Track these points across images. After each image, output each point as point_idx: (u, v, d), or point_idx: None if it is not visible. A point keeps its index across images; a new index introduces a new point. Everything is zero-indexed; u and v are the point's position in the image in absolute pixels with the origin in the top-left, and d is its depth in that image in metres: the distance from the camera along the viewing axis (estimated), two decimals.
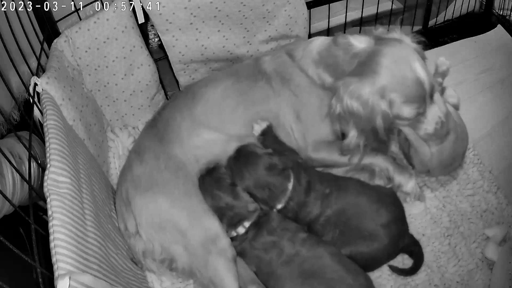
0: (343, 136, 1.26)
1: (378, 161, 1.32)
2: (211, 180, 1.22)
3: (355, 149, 1.24)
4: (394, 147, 1.45)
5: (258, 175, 1.21)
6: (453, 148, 1.28)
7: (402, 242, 1.22)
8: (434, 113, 1.19)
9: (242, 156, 1.24)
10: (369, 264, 1.20)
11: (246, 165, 1.22)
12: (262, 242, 1.15)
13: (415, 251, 1.23)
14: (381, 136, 1.19)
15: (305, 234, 1.17)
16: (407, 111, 1.16)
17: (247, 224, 1.17)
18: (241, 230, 1.17)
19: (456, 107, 1.39)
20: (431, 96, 1.18)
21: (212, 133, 1.30)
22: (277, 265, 1.13)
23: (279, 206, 1.22)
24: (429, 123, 1.19)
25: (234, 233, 1.18)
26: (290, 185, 1.21)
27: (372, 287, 1.13)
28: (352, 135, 1.21)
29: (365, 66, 1.17)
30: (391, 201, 1.26)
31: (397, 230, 1.21)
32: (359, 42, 1.23)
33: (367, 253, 1.18)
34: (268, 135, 1.30)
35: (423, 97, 1.16)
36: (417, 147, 1.26)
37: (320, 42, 1.33)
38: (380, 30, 1.28)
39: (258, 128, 1.31)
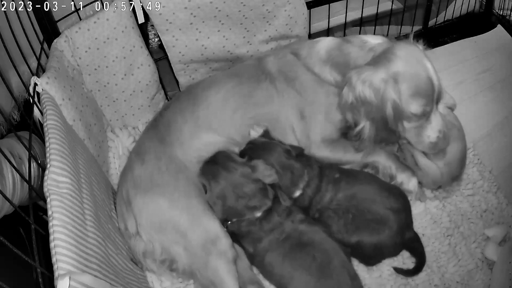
0: (355, 126, 1.26)
1: (381, 159, 1.33)
2: (222, 155, 1.23)
3: (364, 141, 1.24)
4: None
5: (282, 158, 1.24)
6: (460, 157, 1.30)
7: (408, 233, 1.23)
8: (438, 120, 1.20)
9: (260, 145, 1.26)
10: (376, 253, 1.22)
11: (270, 151, 1.24)
12: (273, 222, 1.18)
13: (417, 248, 1.24)
14: (390, 125, 1.20)
15: (303, 216, 1.21)
16: (414, 106, 1.17)
17: (265, 207, 1.19)
18: (257, 214, 1.19)
19: (452, 109, 1.39)
20: (437, 102, 1.20)
21: (213, 135, 1.31)
22: (278, 244, 1.15)
23: (297, 193, 1.25)
24: (433, 130, 1.20)
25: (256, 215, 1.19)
26: (305, 171, 1.25)
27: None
28: (363, 125, 1.22)
29: (380, 57, 1.19)
30: (399, 193, 1.29)
31: (405, 220, 1.24)
32: (374, 39, 1.26)
33: (377, 241, 1.20)
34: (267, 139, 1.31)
35: (431, 96, 1.17)
36: (428, 169, 1.29)
37: (328, 41, 1.35)
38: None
39: (254, 134, 1.32)
